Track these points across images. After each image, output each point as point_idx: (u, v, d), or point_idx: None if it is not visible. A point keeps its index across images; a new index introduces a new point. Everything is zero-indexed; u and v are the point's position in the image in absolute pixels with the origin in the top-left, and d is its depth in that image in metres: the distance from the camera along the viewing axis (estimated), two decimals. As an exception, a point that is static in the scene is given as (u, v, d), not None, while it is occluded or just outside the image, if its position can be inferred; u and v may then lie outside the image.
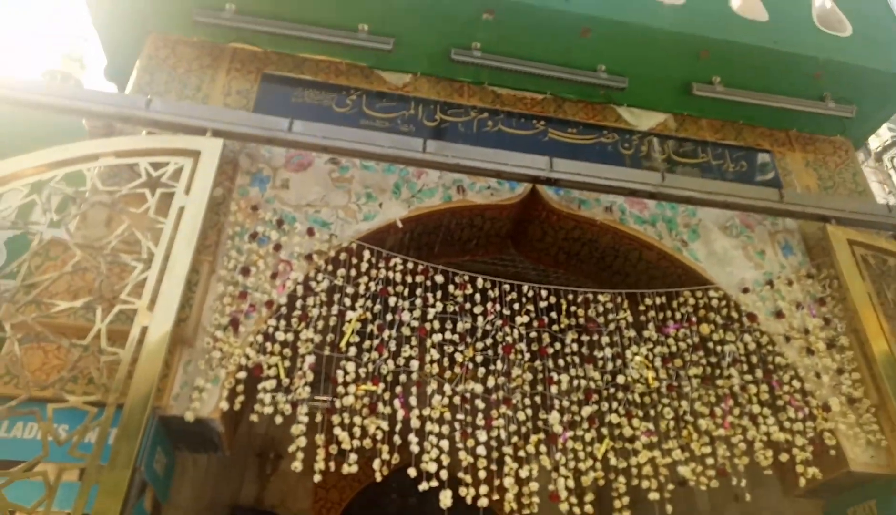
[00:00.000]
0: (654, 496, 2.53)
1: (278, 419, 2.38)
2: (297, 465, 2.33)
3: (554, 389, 2.71)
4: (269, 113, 3.20)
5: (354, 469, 2.36)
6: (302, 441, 2.36)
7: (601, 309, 2.99)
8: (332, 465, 2.36)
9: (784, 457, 2.70)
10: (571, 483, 2.49)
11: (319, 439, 2.40)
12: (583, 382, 2.76)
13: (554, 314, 2.92)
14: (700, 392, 2.80)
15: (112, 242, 2.32)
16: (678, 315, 3.05)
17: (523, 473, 2.48)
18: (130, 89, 3.12)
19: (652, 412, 2.75)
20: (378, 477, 2.38)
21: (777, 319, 3.14)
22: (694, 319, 3.05)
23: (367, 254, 2.85)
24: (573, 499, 2.45)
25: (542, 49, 3.61)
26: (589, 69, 3.69)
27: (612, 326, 2.96)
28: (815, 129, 4.00)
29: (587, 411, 2.68)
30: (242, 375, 2.42)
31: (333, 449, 2.38)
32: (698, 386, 2.82)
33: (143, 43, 3.32)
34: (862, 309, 3.05)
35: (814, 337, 3.05)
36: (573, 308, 2.97)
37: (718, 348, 2.97)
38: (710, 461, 2.64)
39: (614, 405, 2.73)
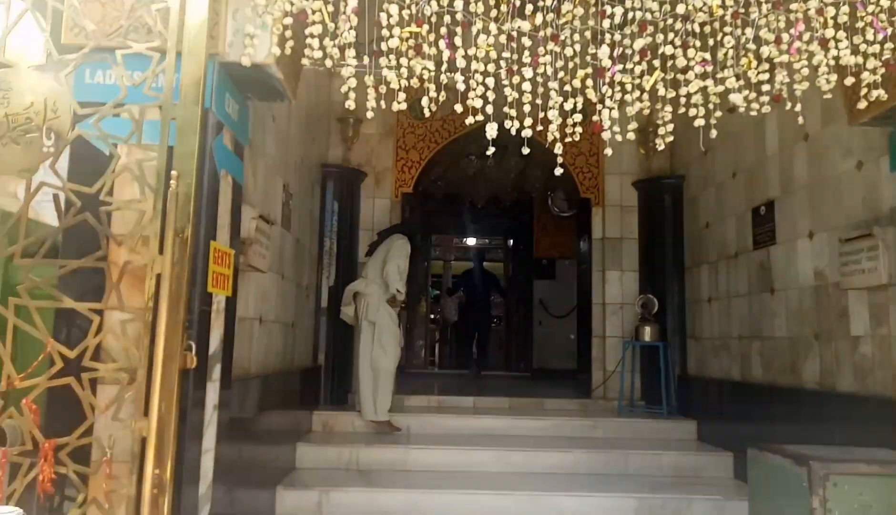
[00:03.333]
0: (699, 122, 2.55)
1: (328, 63, 2.51)
2: (350, 104, 2.51)
3: (606, 23, 2.61)
4: None
5: (403, 106, 2.51)
6: (352, 82, 2.50)
7: (670, -65, 2.69)
8: (383, 103, 2.52)
9: (850, 81, 2.57)
10: (616, 114, 2.54)
11: (369, 80, 2.53)
12: (638, 14, 2.63)
13: (613, -57, 2.67)
14: (769, 18, 2.60)
15: None
16: (761, -65, 2.69)
17: (567, 106, 2.54)
18: None
19: (711, 42, 2.62)
20: (426, 113, 2.54)
21: (883, -71, 2.71)
22: (779, -61, 2.69)
23: None
24: (616, 128, 2.53)
25: None
26: None
27: (679, -48, 2.68)
28: None
29: (640, 43, 2.59)
30: (289, 21, 2.49)
31: (383, 89, 2.52)
32: (768, 12, 2.61)
33: None
34: None
35: (922, -52, 2.64)
36: (637, -65, 2.68)
37: (801, -31, 2.66)
38: (766, 88, 2.56)
39: (670, 36, 2.61)
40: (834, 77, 2.55)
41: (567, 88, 2.55)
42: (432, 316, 11.37)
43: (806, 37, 2.59)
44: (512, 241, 11.09)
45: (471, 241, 12.24)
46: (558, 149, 2.52)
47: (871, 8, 2.60)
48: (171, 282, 2.24)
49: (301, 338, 4.91)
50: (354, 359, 5.19)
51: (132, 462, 2.22)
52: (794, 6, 2.61)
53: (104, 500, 2.23)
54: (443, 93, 2.53)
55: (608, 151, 2.60)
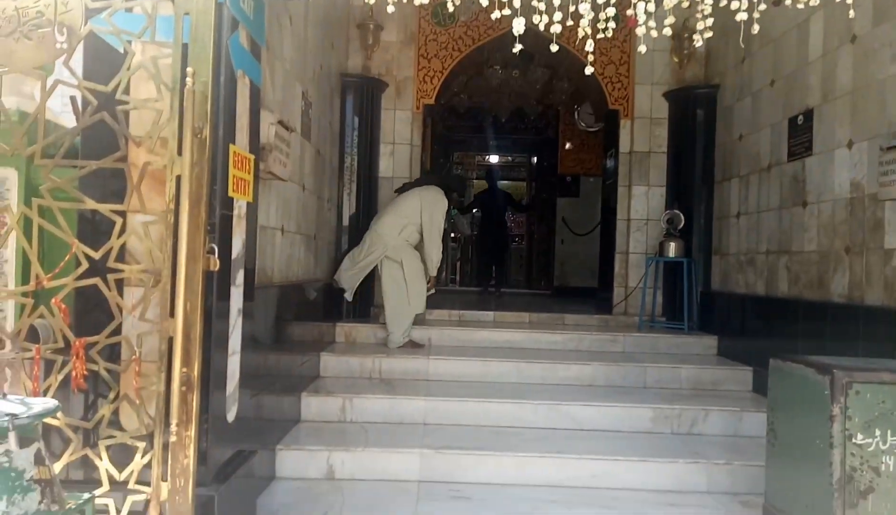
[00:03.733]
0: (741, 16, 2.39)
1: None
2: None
3: None
4: None
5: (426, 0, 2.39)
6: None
7: None
8: None
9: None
10: (652, 8, 2.39)
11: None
12: None
13: None
14: None
15: None
16: None
17: (600, -1, 2.39)
18: None
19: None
20: (450, 8, 2.41)
21: None
22: None
23: None
24: (652, 23, 2.38)
25: None
26: None
27: None
28: None
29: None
30: None
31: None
32: None
33: None
34: None
35: None
36: None
37: None
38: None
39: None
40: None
41: (600, -20, 2.39)
42: (452, 235, 11.37)
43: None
44: (536, 158, 10.89)
45: (494, 158, 12.05)
46: (589, 46, 2.39)
47: None
48: (190, 183, 2.21)
49: (323, 251, 4.93)
50: (376, 281, 5.22)
51: (160, 360, 2.27)
52: None
53: (135, 396, 2.30)
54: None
55: (642, 49, 2.46)
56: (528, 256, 11.14)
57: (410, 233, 4.99)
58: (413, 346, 4.90)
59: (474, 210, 9.93)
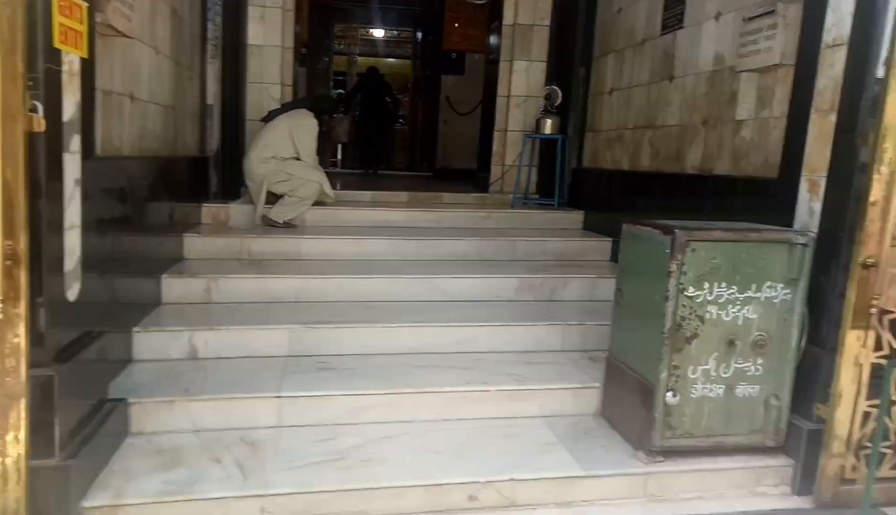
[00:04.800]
0: None
1: None
2: None
3: None
4: None
5: None
6: None
7: None
8: None
9: None
10: None
11: None
12: None
13: None
14: None
15: None
16: None
17: None
18: None
19: None
20: None
21: None
22: None
23: None
24: None
25: None
26: None
27: None
28: None
29: None
30: None
31: None
32: None
33: None
34: None
35: None
36: None
37: None
38: None
39: None
40: None
41: None
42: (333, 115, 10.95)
43: None
44: (421, 33, 10.48)
45: (378, 32, 11.48)
46: None
47: None
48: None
49: (185, 125, 4.56)
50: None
51: (-22, 232, 2.04)
52: None
53: (-50, 273, 2.07)
54: None
55: None
56: (410, 137, 10.99)
57: (282, 158, 4.88)
58: (286, 226, 4.77)
59: (357, 98, 9.57)
